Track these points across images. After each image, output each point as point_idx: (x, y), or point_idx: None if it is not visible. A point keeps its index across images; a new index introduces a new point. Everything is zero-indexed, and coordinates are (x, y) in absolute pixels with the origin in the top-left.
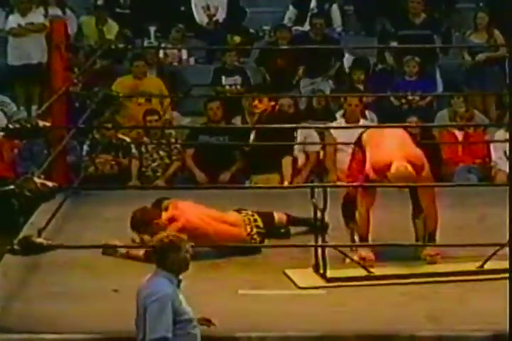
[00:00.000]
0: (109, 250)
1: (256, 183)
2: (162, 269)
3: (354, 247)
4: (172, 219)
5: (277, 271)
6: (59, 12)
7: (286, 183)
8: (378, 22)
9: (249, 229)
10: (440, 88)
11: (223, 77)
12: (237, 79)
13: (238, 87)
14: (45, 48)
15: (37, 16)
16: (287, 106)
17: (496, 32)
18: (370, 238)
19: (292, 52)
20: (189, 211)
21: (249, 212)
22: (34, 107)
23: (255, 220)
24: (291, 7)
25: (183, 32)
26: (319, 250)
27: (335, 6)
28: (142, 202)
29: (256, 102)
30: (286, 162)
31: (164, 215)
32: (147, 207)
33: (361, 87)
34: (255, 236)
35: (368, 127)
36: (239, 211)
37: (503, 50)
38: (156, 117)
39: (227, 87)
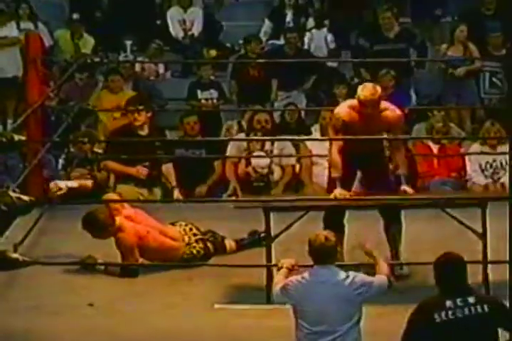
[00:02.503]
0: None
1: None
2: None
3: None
4: (120, 229)
5: (254, 283)
6: (31, 26)
7: (176, 192)
8: (353, 36)
9: (187, 239)
10: (413, 101)
11: (198, 91)
12: (213, 93)
13: (214, 100)
14: (19, 62)
15: (10, 30)
16: (264, 121)
17: (471, 45)
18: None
19: (267, 66)
20: (139, 224)
21: (183, 223)
22: (9, 121)
23: (191, 229)
24: (266, 21)
25: (161, 47)
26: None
27: (311, 20)
28: None
29: (136, 115)
30: (168, 169)
31: (116, 222)
32: (106, 211)
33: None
34: (195, 245)
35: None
36: (173, 224)
37: (478, 64)
38: None
39: (203, 101)
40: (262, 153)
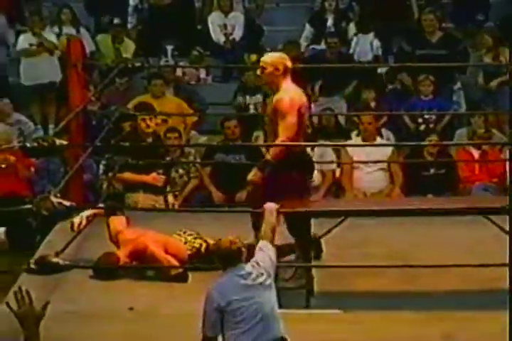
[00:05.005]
0: None
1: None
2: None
3: None
4: (142, 249)
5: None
6: (73, 31)
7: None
8: (395, 41)
9: (183, 240)
10: (463, 107)
11: (247, 97)
12: (259, 97)
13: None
14: (57, 67)
15: (48, 35)
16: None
17: (503, 50)
18: None
19: (307, 71)
20: (144, 236)
21: (177, 231)
22: (51, 126)
23: (184, 232)
24: (307, 26)
25: (202, 54)
26: None
27: (352, 25)
28: (162, 220)
29: (148, 121)
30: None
31: (121, 254)
32: (101, 257)
33: (372, 104)
34: (193, 241)
35: (384, 145)
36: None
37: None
38: (176, 134)
39: (251, 106)
40: None
